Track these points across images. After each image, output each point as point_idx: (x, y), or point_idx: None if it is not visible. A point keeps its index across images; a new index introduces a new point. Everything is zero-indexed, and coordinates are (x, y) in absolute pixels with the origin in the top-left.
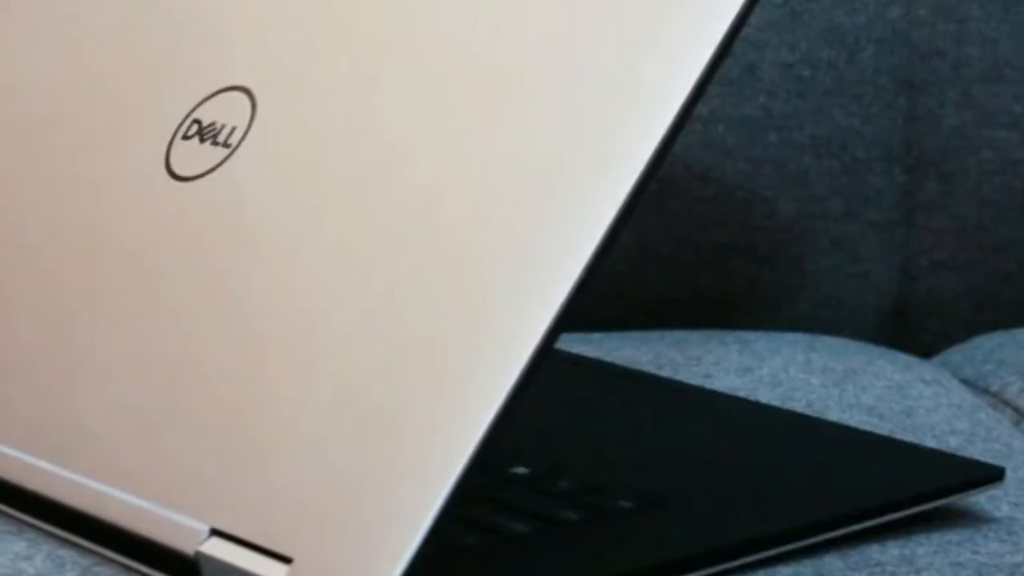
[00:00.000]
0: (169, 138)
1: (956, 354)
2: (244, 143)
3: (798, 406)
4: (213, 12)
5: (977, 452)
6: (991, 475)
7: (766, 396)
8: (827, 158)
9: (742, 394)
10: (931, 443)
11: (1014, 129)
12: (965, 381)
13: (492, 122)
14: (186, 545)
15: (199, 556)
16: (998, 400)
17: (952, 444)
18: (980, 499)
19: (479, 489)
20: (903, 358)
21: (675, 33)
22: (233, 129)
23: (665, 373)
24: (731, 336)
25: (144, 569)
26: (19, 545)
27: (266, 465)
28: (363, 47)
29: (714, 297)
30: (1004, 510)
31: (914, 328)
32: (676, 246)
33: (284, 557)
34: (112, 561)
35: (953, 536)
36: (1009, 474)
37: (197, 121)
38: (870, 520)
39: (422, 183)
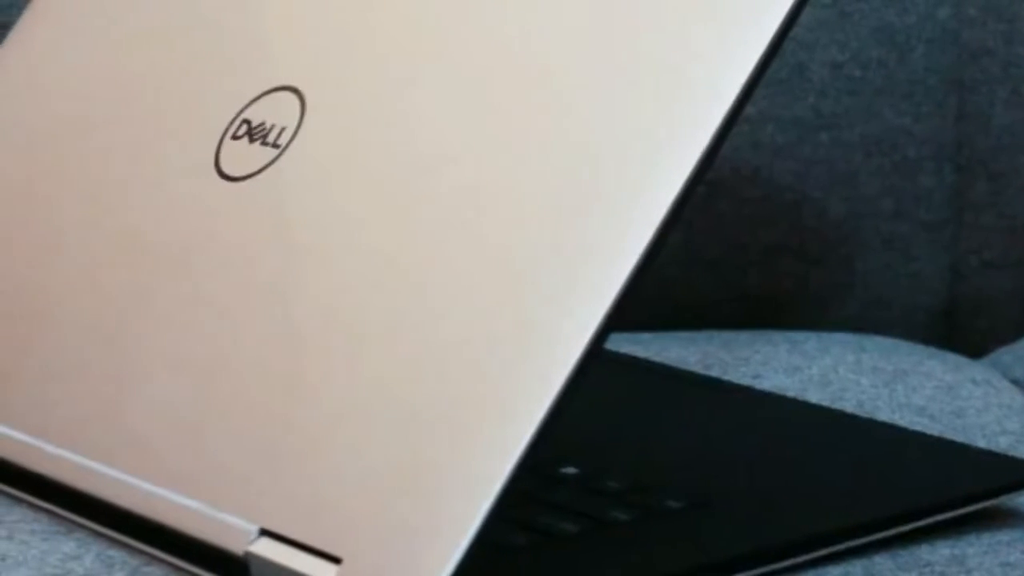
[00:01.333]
0: (219, 138)
1: (1006, 354)
2: (293, 143)
3: (848, 406)
4: (262, 12)
5: None
6: None
7: (815, 396)
8: (877, 157)
9: (791, 394)
10: (981, 443)
11: None
12: (1015, 381)
13: (539, 122)
14: (235, 545)
15: (248, 556)
16: None
17: (1002, 444)
18: None
19: (528, 489)
20: (953, 358)
21: (724, 33)
22: (282, 129)
23: (714, 373)
24: (780, 336)
25: (193, 569)
26: (68, 545)
27: (314, 465)
28: (410, 47)
29: (763, 297)
30: None
31: (964, 328)
32: (725, 246)
33: (333, 557)
34: (161, 561)
35: (1003, 536)
36: None
37: (247, 121)
38: (920, 520)
39: (470, 183)
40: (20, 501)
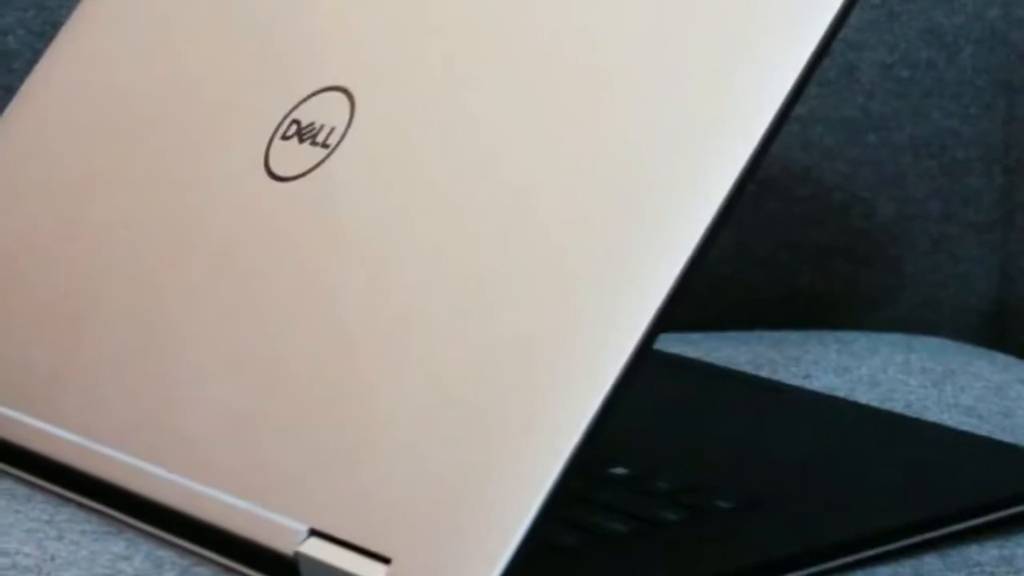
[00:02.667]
0: (268, 138)
1: None
2: (343, 143)
3: (897, 407)
4: (311, 12)
5: None
6: None
7: (864, 396)
8: (926, 159)
9: (840, 394)
10: None
11: None
12: None
13: (589, 122)
14: (285, 545)
15: (298, 556)
16: None
17: None
18: None
19: (578, 489)
20: (1002, 359)
21: (774, 33)
22: (332, 129)
23: (764, 373)
24: (830, 336)
25: (243, 569)
26: (118, 545)
27: (363, 465)
28: (459, 47)
29: (812, 297)
30: None
31: (1013, 329)
32: (774, 246)
33: (383, 557)
34: (210, 561)
35: None
36: None
37: (296, 121)
38: (969, 520)
39: (519, 183)
40: (70, 501)
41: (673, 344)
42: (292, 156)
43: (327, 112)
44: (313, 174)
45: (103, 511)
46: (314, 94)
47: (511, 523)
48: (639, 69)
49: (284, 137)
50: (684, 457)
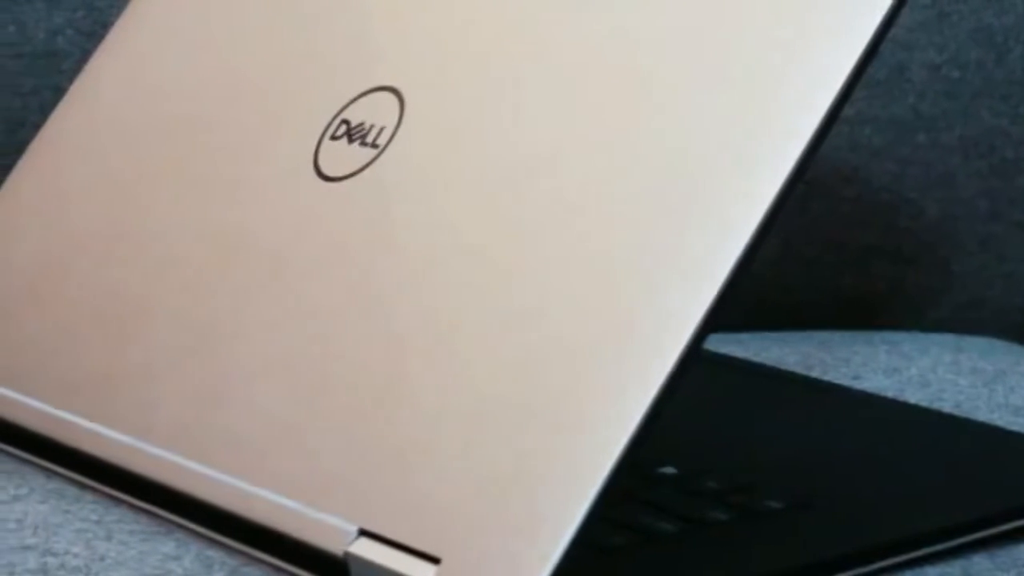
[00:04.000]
0: (317, 138)
1: None
2: (392, 144)
3: (946, 407)
4: (361, 12)
5: None
6: None
7: (914, 397)
8: (975, 159)
9: (890, 395)
10: None
11: None
12: None
13: (637, 122)
14: (335, 546)
15: (348, 556)
16: None
17: None
18: None
19: (627, 489)
20: None
21: (823, 34)
22: (381, 129)
23: (813, 374)
24: (878, 337)
25: (292, 569)
26: (168, 545)
27: (413, 465)
28: (509, 48)
29: (858, 298)
30: None
31: None
32: (821, 247)
33: (432, 557)
34: (260, 561)
35: None
36: None
37: (346, 121)
38: (1018, 520)
39: (569, 184)
40: (120, 501)
41: (722, 344)
42: (341, 156)
43: (377, 112)
44: (362, 174)
45: (152, 511)
46: (364, 94)
47: (561, 523)
48: (688, 69)
49: (333, 137)
50: (733, 457)
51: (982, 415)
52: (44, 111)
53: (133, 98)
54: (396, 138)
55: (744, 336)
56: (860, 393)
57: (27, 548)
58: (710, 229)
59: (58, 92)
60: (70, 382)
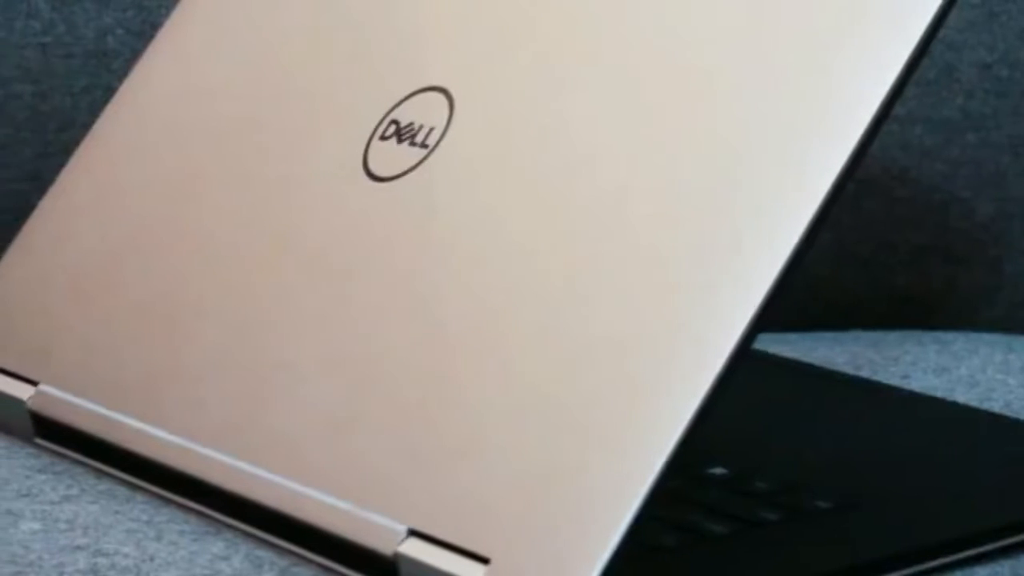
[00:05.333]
0: (367, 138)
1: None
2: (441, 144)
3: (996, 406)
4: (410, 12)
5: None
6: None
7: (963, 396)
8: None
9: (939, 394)
10: None
11: None
12: None
13: (687, 121)
14: (384, 545)
15: (398, 556)
16: None
17: None
18: None
19: (677, 489)
20: None
21: (873, 33)
22: (431, 130)
23: (863, 373)
24: (928, 336)
25: (341, 569)
26: (217, 545)
27: (463, 465)
28: (556, 47)
29: (910, 298)
30: None
31: None
32: (873, 246)
33: (482, 557)
34: (309, 561)
35: None
36: None
37: (395, 121)
38: None
39: (619, 183)
40: (169, 502)
41: (771, 344)
42: (391, 156)
43: (426, 112)
44: (411, 174)
45: (202, 511)
46: (413, 94)
47: (610, 523)
48: (738, 69)
49: (383, 137)
50: (783, 457)
51: None
52: (94, 111)
53: (183, 97)
54: (445, 138)
55: (793, 336)
56: (909, 393)
57: (77, 548)
58: (760, 228)
59: (108, 92)
60: (120, 382)
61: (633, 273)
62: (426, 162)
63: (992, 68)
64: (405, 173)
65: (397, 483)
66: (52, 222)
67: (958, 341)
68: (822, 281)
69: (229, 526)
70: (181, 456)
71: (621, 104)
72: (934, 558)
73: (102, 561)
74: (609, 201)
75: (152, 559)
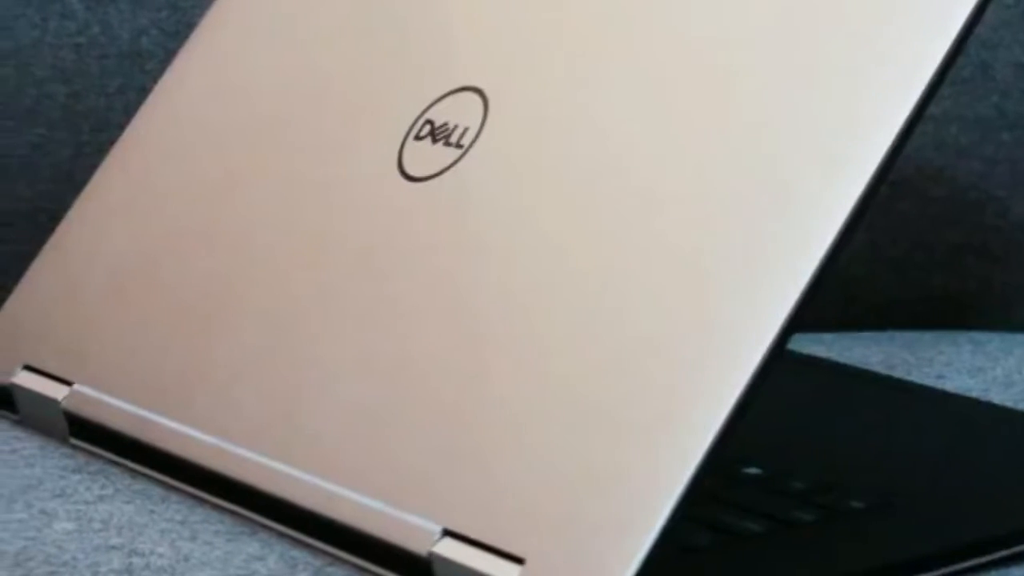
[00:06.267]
0: (402, 138)
1: None
2: (476, 144)
3: None
4: (444, 12)
5: None
6: None
7: (999, 397)
8: None
9: (974, 395)
10: None
11: None
12: None
13: (723, 122)
14: (419, 546)
15: (432, 557)
16: None
17: None
18: None
19: (712, 489)
20: None
21: (908, 33)
22: (466, 130)
23: (897, 373)
24: (963, 336)
25: (376, 569)
26: (252, 546)
27: (497, 465)
28: (593, 47)
29: (946, 298)
30: None
31: None
32: (908, 246)
33: (516, 557)
34: (344, 562)
35: None
36: None
37: (430, 122)
38: None
39: (653, 183)
40: (204, 502)
41: (806, 344)
42: (425, 156)
43: (461, 112)
44: (446, 174)
45: (237, 512)
46: (448, 94)
47: (645, 523)
48: (771, 69)
49: (417, 137)
50: (818, 457)
51: None
52: (129, 111)
53: (217, 98)
54: (480, 138)
55: (828, 336)
56: (944, 393)
57: (112, 548)
58: (795, 229)
59: (143, 92)
60: (155, 382)
61: (668, 273)
62: (460, 162)
63: None
64: (439, 173)
65: (432, 483)
66: (86, 223)
67: (993, 341)
68: (857, 281)
69: (264, 526)
70: (216, 456)
71: (655, 104)
72: (969, 558)
73: (137, 561)
74: (644, 201)
75: (187, 559)
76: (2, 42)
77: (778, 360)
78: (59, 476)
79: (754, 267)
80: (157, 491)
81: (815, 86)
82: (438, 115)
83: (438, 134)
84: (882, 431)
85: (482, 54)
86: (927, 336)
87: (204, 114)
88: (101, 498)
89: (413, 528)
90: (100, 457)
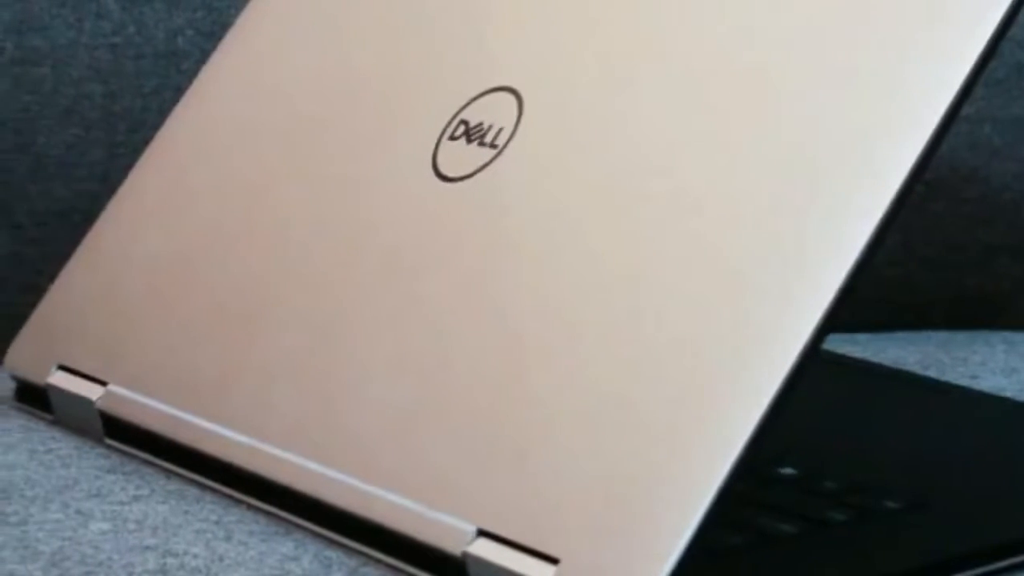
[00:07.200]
0: (436, 138)
1: None
2: (511, 144)
3: None
4: (479, 13)
5: None
6: None
7: None
8: None
9: (1008, 395)
10: None
11: None
12: None
13: (757, 123)
14: (453, 546)
15: (466, 557)
16: None
17: None
18: None
19: (746, 490)
20: None
21: (942, 34)
22: (500, 130)
23: (931, 374)
24: (997, 337)
25: (410, 569)
26: (287, 546)
27: (532, 466)
28: (627, 48)
29: (979, 298)
30: None
31: None
32: (942, 247)
33: (551, 558)
34: (378, 562)
35: None
36: None
37: (464, 122)
38: None
39: (688, 184)
40: (238, 502)
41: (840, 345)
42: (460, 156)
43: (495, 112)
44: (480, 175)
45: (272, 512)
46: (482, 94)
47: (679, 524)
48: (805, 69)
49: (452, 137)
50: (852, 457)
51: None
52: (164, 111)
53: (252, 98)
54: (515, 138)
55: (862, 336)
56: (978, 393)
57: (147, 548)
58: (829, 229)
59: (178, 92)
60: (189, 382)
61: (702, 274)
62: (495, 162)
63: None
64: (474, 173)
65: (466, 483)
66: (122, 223)
67: None
68: (891, 282)
69: (298, 526)
70: (251, 456)
71: (689, 105)
72: (1004, 558)
73: (171, 561)
74: (677, 202)
75: (221, 559)
76: (38, 42)
77: (813, 361)
78: (94, 476)
79: (789, 268)
80: (192, 491)
81: (850, 87)
82: (473, 115)
83: (472, 134)
84: (916, 431)
85: (516, 54)
86: (960, 336)
87: (239, 114)
88: (136, 498)
89: (447, 528)
90: (135, 457)
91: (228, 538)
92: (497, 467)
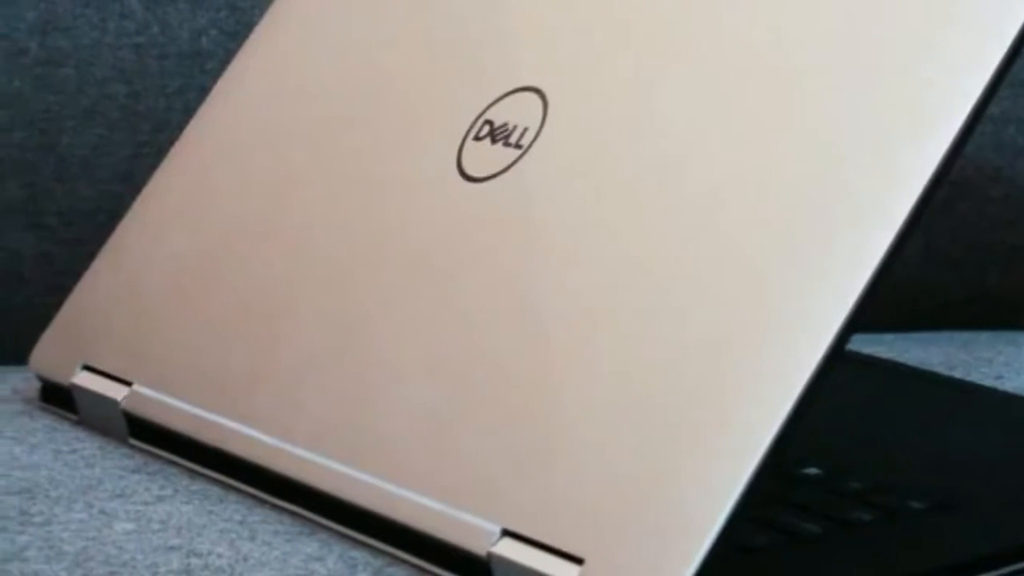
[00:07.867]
0: (461, 139)
1: None
2: (535, 144)
3: None
4: (503, 13)
5: None
6: None
7: None
8: None
9: None
10: None
11: None
12: None
13: (782, 123)
14: (478, 546)
15: (491, 557)
16: None
17: None
18: None
19: (770, 489)
20: None
21: (968, 34)
22: (525, 130)
23: (956, 374)
24: (1022, 337)
25: (435, 570)
26: (311, 546)
27: (556, 465)
28: (650, 48)
29: (1003, 298)
30: None
31: None
32: (966, 247)
33: (576, 558)
34: (403, 562)
35: None
36: None
37: (489, 122)
38: None
39: (713, 184)
40: (262, 502)
41: (865, 345)
42: (485, 157)
43: (520, 113)
44: (505, 175)
45: (296, 512)
46: (507, 95)
47: (704, 523)
48: (830, 69)
49: (477, 138)
50: (877, 457)
51: None
52: (188, 111)
53: (277, 98)
54: (539, 139)
55: (887, 336)
56: (1003, 393)
57: (171, 548)
58: (853, 230)
59: (202, 92)
60: (214, 383)
61: (728, 274)
62: (520, 163)
63: None
64: (499, 174)
65: (491, 483)
66: (146, 223)
67: None
68: (916, 282)
69: (323, 526)
70: (275, 457)
71: (714, 105)
72: None
73: (195, 561)
74: (703, 202)
75: (246, 559)
76: (62, 42)
77: (837, 361)
78: (119, 476)
79: (813, 268)
80: (216, 491)
81: (875, 87)
82: (497, 115)
83: (497, 134)
84: (941, 431)
85: (541, 54)
86: (985, 336)
87: (264, 114)
88: (160, 498)
89: (472, 528)
90: (159, 457)
91: (252, 538)
92: (522, 467)
